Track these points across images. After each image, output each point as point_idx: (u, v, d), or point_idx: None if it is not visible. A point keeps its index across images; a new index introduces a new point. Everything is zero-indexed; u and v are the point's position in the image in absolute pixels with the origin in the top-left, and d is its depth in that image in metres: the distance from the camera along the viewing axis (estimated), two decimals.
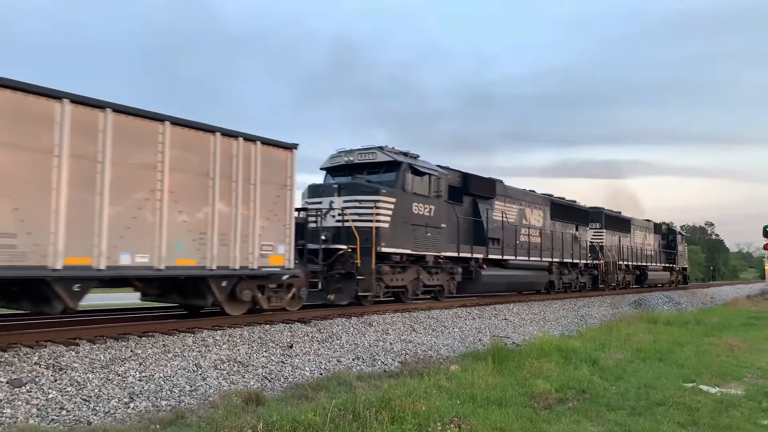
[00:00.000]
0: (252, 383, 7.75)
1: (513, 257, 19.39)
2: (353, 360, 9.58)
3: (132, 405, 6.44)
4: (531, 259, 20.61)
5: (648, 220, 36.49)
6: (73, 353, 7.50)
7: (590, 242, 26.38)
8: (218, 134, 9.77)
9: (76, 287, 7.97)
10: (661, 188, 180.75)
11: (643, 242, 33.26)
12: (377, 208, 13.69)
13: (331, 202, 13.78)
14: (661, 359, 9.76)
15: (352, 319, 12.43)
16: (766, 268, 45.16)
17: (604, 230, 27.92)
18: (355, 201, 13.78)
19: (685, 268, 41.84)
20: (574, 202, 26.36)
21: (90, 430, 5.55)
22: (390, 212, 14.05)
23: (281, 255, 10.94)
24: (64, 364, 7.10)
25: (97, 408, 6.22)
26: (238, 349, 8.96)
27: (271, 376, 8.17)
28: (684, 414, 6.26)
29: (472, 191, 18.02)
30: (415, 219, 14.86)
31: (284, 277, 11.33)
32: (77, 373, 6.91)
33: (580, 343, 10.76)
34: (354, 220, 13.42)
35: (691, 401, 6.68)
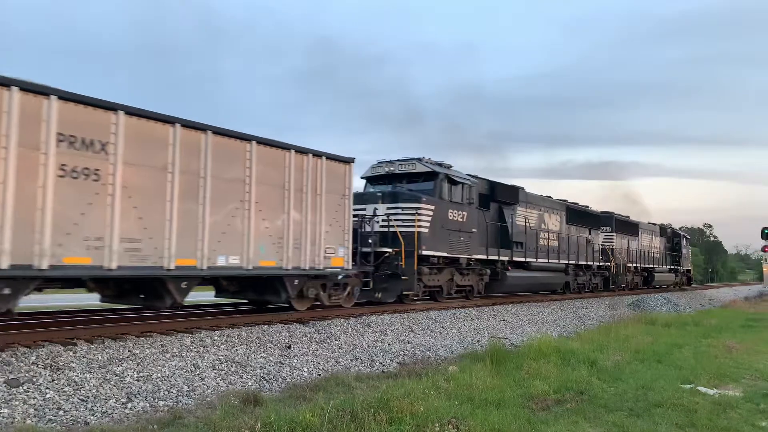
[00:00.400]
0: (250, 384, 7.74)
1: (534, 260, 20.77)
2: (351, 361, 9.57)
3: (130, 405, 6.42)
4: (550, 261, 21.97)
5: (654, 224, 37.53)
6: (71, 353, 7.48)
7: (602, 245, 27.77)
8: (292, 151, 11.37)
9: (183, 284, 9.54)
10: (660, 190, 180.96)
11: (650, 245, 34.48)
12: (419, 214, 15.12)
13: (375, 209, 14.91)
14: (660, 361, 9.75)
15: (351, 319, 12.43)
16: (764, 270, 45.20)
17: (615, 234, 29.18)
18: (398, 208, 15.15)
19: (689, 270, 43.15)
20: (587, 207, 27.51)
21: (87, 430, 5.53)
22: (429, 218, 15.47)
23: (341, 257, 12.53)
24: (61, 363, 7.08)
25: (95, 408, 6.20)
26: (236, 350, 8.95)
27: (269, 376, 8.16)
28: (682, 415, 6.25)
29: (498, 198, 19.48)
30: (450, 224, 16.34)
31: (339, 277, 12.84)
32: (75, 373, 6.90)
33: (579, 344, 10.75)
34: (398, 226, 14.78)
35: (689, 403, 6.68)
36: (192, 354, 8.37)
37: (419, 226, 15.03)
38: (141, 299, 9.94)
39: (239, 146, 10.32)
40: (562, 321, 17.59)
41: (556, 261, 22.58)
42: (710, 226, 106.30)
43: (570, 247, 23.90)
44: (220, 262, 9.90)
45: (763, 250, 42.22)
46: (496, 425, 5.58)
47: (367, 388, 7.22)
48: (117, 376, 7.11)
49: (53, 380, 6.64)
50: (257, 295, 11.89)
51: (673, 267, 38.52)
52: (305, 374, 8.51)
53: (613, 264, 28.29)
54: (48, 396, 6.26)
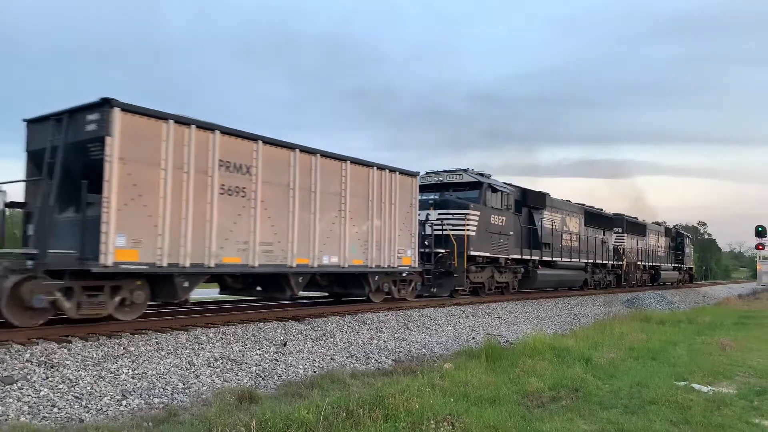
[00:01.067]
0: (245, 381, 7.74)
1: (559, 259, 23.04)
2: (347, 358, 9.57)
3: (124, 403, 6.41)
4: (572, 260, 24.33)
5: (659, 224, 39.69)
6: (65, 350, 7.46)
7: (614, 245, 29.82)
8: (375, 168, 13.63)
9: (300, 279, 11.79)
10: (654, 188, 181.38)
11: (656, 244, 36.65)
12: (467, 219, 17.30)
13: (428, 214, 16.66)
14: (654, 358, 9.78)
15: (346, 317, 12.43)
16: (757, 267, 45.43)
17: (625, 234, 31.24)
18: (449, 214, 17.33)
19: (691, 268, 45.57)
20: (602, 210, 29.73)
21: (82, 428, 5.51)
22: (476, 223, 17.69)
23: (409, 257, 14.92)
24: (56, 361, 7.06)
25: (89, 406, 6.18)
26: (232, 347, 8.94)
27: (264, 374, 8.15)
28: (676, 412, 6.27)
29: (528, 203, 21.59)
30: (492, 228, 18.62)
31: (404, 274, 15.09)
32: (69, 371, 6.88)
33: (574, 341, 10.78)
34: (449, 229, 16.90)
35: (683, 400, 6.70)
36: (187, 351, 8.35)
37: (468, 230, 17.21)
38: (258, 292, 12.23)
39: (337, 165, 12.63)
40: (557, 318, 17.64)
41: (577, 260, 24.89)
42: (704, 224, 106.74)
43: (588, 247, 26.12)
44: (325, 261, 12.24)
45: (757, 247, 42.59)
46: (492, 422, 5.59)
47: (363, 386, 7.22)
48: (112, 373, 7.09)
49: (47, 378, 6.62)
50: (343, 289, 14.10)
51: (677, 265, 40.71)
52: (301, 371, 8.51)
53: (625, 263, 30.42)
54: (42, 393, 6.24)
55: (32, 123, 10.28)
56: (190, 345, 8.63)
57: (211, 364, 8.09)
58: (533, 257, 20.89)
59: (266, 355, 8.92)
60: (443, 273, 16.54)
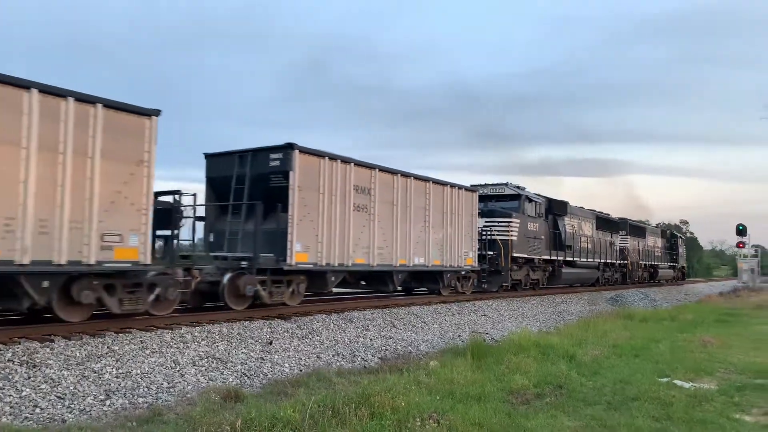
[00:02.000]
0: (231, 380, 7.70)
1: (578, 259, 26.73)
2: (333, 356, 9.57)
3: (108, 402, 6.36)
4: (588, 260, 27.99)
5: (656, 227, 44.66)
6: (48, 350, 7.38)
7: (620, 246, 33.33)
8: (447, 186, 17.44)
9: (400, 276, 15.56)
10: (640, 186, 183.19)
11: (654, 245, 40.33)
12: (510, 226, 20.85)
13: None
14: (637, 355, 9.89)
15: (333, 315, 12.43)
16: (738, 266, 46.09)
17: (628, 236, 34.84)
18: (495, 222, 20.80)
19: (683, 267, 49.48)
20: (609, 215, 33.31)
21: (65, 428, 5.46)
22: (517, 229, 21.19)
23: (471, 258, 18.64)
24: (38, 360, 6.98)
25: (72, 406, 6.12)
26: (217, 346, 8.90)
27: (250, 372, 8.13)
28: (659, 408, 6.35)
29: (553, 211, 24.82)
30: (528, 233, 22.13)
31: (462, 272, 18.50)
32: (52, 370, 6.81)
33: (558, 338, 10.86)
34: (496, 234, 20.50)
35: (665, 396, 6.79)
36: (172, 350, 8.30)
37: (511, 235, 20.77)
38: (363, 286, 16.21)
39: (422, 185, 16.29)
40: (541, 316, 17.76)
41: (592, 260, 28.55)
42: (686, 223, 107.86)
43: (599, 249, 29.73)
44: (416, 261, 15.75)
45: (738, 246, 43.38)
46: (477, 419, 5.62)
47: (349, 384, 7.22)
48: (95, 373, 7.03)
49: (29, 377, 6.54)
50: (419, 284, 17.93)
51: (671, 264, 44.32)
52: (286, 370, 8.49)
53: (629, 262, 34.09)
54: (24, 393, 6.17)
55: (211, 156, 13.70)
56: (175, 344, 8.58)
57: (197, 363, 8.05)
58: (558, 257, 24.49)
59: (252, 354, 8.89)
60: (492, 271, 20.24)
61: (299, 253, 12.15)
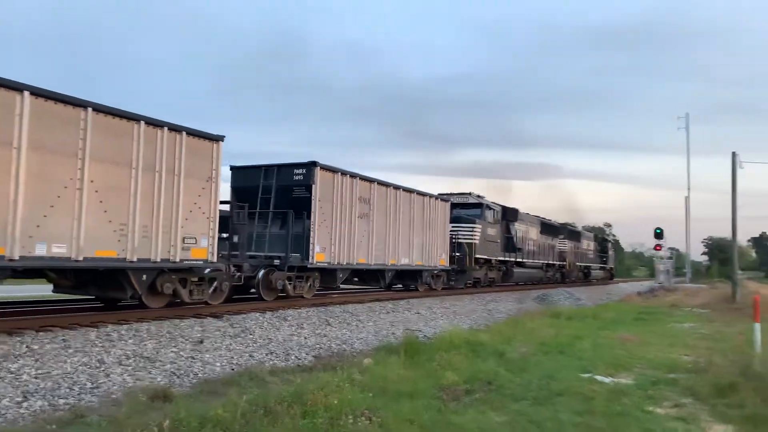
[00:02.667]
0: (159, 379, 7.49)
1: (527, 260, 30.39)
2: (266, 355, 9.46)
3: (26, 404, 6.04)
4: (535, 261, 31.81)
5: (590, 231, 50.09)
6: None
7: (559, 249, 37.10)
8: (427, 197, 20.55)
9: (390, 274, 18.44)
10: (569, 190, 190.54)
11: (588, 248, 44.88)
12: (473, 231, 24.06)
13: None
14: (562, 352, 10.28)
15: (267, 313, 12.30)
16: (655, 267, 48.81)
17: (567, 240, 38.82)
18: (461, 227, 23.75)
19: (612, 268, 54.84)
20: (551, 220, 37.46)
21: None
22: (479, 233, 24.50)
23: (443, 259, 21.81)
24: None
25: None
26: (145, 344, 8.63)
27: (179, 372, 7.92)
28: (581, 403, 6.63)
29: (507, 217, 28.12)
30: (488, 237, 25.47)
31: (435, 271, 21.54)
32: None
33: (488, 336, 11.15)
34: (462, 238, 23.53)
35: (587, 391, 7.10)
36: (97, 349, 7.99)
37: (474, 239, 23.97)
38: (357, 282, 18.73)
39: (409, 196, 19.31)
40: (473, 314, 18.18)
41: (538, 261, 32.48)
42: (610, 225, 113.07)
43: (544, 252, 33.69)
44: (402, 261, 18.78)
45: (655, 248, 46.35)
46: (409, 416, 5.71)
47: (282, 382, 7.17)
48: (12, 373, 6.68)
49: None
50: (401, 281, 20.68)
51: (602, 265, 49.55)
52: (218, 369, 8.33)
53: (567, 263, 38.16)
54: None
55: (237, 169, 16.05)
56: (100, 342, 8.26)
57: (123, 363, 7.78)
58: (511, 258, 28.22)
59: (182, 353, 8.67)
60: (458, 271, 23.18)
61: (318, 254, 14.72)
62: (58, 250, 8.89)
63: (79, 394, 6.54)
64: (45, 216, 8.71)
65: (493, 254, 26.24)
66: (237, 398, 5.66)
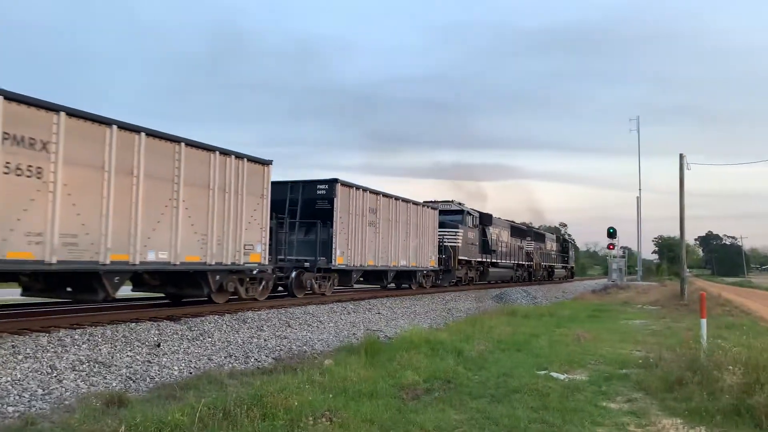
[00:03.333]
0: (114, 384, 7.32)
1: (500, 260, 33.93)
2: (225, 358, 9.36)
3: None
4: (507, 261, 35.47)
5: (552, 233, 54.05)
6: None
7: (526, 250, 40.43)
8: (420, 205, 23.17)
9: (391, 274, 21.27)
10: (521, 191, 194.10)
11: (551, 249, 48.74)
12: (456, 235, 27.33)
13: None
14: (519, 349, 10.48)
15: (225, 316, 12.15)
16: (609, 266, 50.21)
17: (533, 242, 42.36)
18: (446, 231, 26.70)
19: (572, 267, 59.27)
20: (520, 224, 42.15)
21: None
22: (461, 237, 27.76)
23: (433, 260, 24.21)
24: None
25: None
26: (100, 349, 8.43)
27: (135, 376, 7.76)
28: (537, 399, 6.80)
29: (483, 222, 31.38)
30: (468, 240, 28.77)
31: (425, 271, 23.80)
32: None
33: (447, 335, 11.28)
34: (447, 242, 26.49)
35: (543, 387, 7.26)
36: (49, 354, 7.76)
37: (457, 242, 27.13)
38: (362, 281, 20.81)
39: (406, 205, 21.91)
40: (432, 313, 18.35)
41: (509, 261, 36.04)
42: (565, 225, 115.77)
43: (513, 253, 37.09)
44: (402, 263, 21.29)
45: (608, 247, 48.03)
46: (369, 416, 5.75)
47: (241, 385, 7.12)
48: None
49: None
50: (397, 281, 22.82)
51: (564, 265, 53.60)
52: (176, 373, 8.20)
53: (534, 263, 41.71)
54: None
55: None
56: (52, 348, 8.03)
57: (76, 368, 7.57)
58: (487, 259, 31.59)
59: (138, 357, 8.50)
60: (444, 271, 26.22)
61: (338, 257, 17.07)
62: (162, 256, 11.25)
63: (29, 401, 6.34)
64: (153, 230, 10.99)
65: (473, 256, 29.64)
66: (195, 402, 5.60)
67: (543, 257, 45.10)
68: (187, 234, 11.69)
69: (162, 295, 13.92)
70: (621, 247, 52.65)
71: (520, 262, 38.86)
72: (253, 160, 13.71)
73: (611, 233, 48.40)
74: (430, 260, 23.92)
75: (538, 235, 45.58)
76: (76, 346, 8.32)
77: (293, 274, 15.89)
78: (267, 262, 14.13)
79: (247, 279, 13.94)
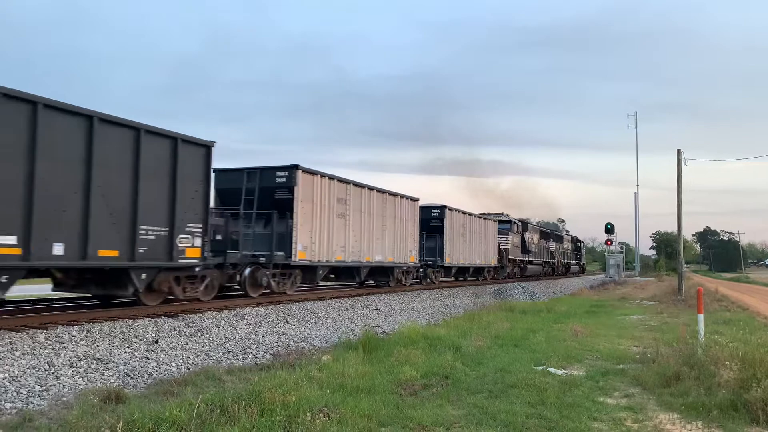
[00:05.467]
0: (112, 381, 7.32)
1: (534, 259, 42.07)
2: (223, 354, 9.36)
3: None
4: (538, 260, 43.65)
5: (569, 233, 61.34)
6: None
7: (551, 250, 48.17)
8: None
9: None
10: (524, 187, 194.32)
11: (567, 248, 56.67)
12: (507, 240, 35.24)
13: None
14: (517, 345, 10.52)
15: (223, 312, 12.15)
16: (607, 261, 50.34)
17: (554, 242, 49.95)
18: (502, 237, 34.14)
19: (584, 264, 68.31)
20: (545, 227, 52.60)
21: None
22: (510, 242, 35.71)
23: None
24: None
25: None
26: (98, 345, 8.42)
27: (133, 372, 7.76)
28: (534, 395, 6.82)
29: (522, 229, 39.49)
30: (514, 243, 36.92)
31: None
32: None
33: (445, 331, 11.31)
34: (501, 245, 33.84)
35: (540, 383, 7.29)
36: (46, 351, 7.75)
37: (509, 245, 35.38)
38: (373, 278, 21.34)
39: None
40: (430, 309, 18.37)
41: (540, 260, 43.97)
42: (563, 221, 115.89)
43: (542, 252, 44.86)
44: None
45: (606, 243, 49.10)
46: (366, 411, 5.77)
47: (239, 381, 7.13)
48: None
49: None
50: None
51: (577, 262, 61.68)
52: (173, 369, 8.20)
53: (556, 260, 49.71)
54: None
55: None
56: (49, 344, 8.02)
57: (74, 364, 7.57)
58: (525, 258, 39.61)
59: (136, 353, 8.50)
60: (500, 267, 33.89)
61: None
62: (341, 257, 16.51)
63: (27, 398, 6.34)
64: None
65: (517, 256, 37.66)
66: (193, 398, 5.61)
67: (562, 255, 53.07)
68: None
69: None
70: (619, 243, 54.41)
71: (547, 260, 46.77)
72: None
73: (609, 229, 49.02)
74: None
75: (558, 237, 53.27)
76: (73, 343, 8.31)
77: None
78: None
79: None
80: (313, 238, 16.02)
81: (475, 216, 29.00)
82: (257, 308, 13.20)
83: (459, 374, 7.87)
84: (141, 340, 9.15)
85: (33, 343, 7.92)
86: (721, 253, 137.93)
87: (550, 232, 50.45)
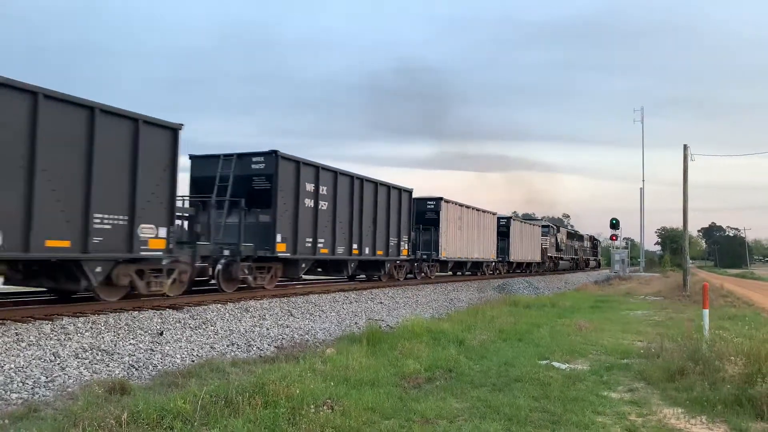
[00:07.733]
0: (117, 372, 7.36)
1: (563, 256, 50.10)
2: (228, 346, 9.39)
3: None
4: (566, 256, 51.47)
5: (588, 233, 68.80)
6: None
7: (575, 247, 56.52)
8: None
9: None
10: (528, 183, 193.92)
11: (586, 246, 64.50)
12: (546, 241, 44.38)
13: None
14: (521, 339, 10.51)
15: (228, 305, 12.18)
16: (612, 257, 50.24)
17: (577, 241, 58.02)
18: (543, 239, 43.62)
19: (600, 259, 75.92)
20: (570, 228, 64.09)
21: None
22: (548, 242, 45.07)
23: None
24: None
25: None
26: (103, 337, 8.46)
27: (138, 364, 7.80)
28: (538, 389, 6.81)
29: (555, 230, 47.72)
30: (551, 243, 45.84)
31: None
32: None
33: (449, 324, 11.30)
34: (543, 245, 43.78)
35: (544, 377, 7.29)
36: (52, 342, 7.79)
37: (548, 245, 44.08)
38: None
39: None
40: (434, 303, 18.38)
41: (568, 256, 52.00)
42: (568, 216, 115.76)
43: (569, 250, 53.01)
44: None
45: (611, 238, 50.01)
46: (370, 404, 5.77)
47: (243, 373, 7.14)
48: None
49: None
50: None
51: (594, 258, 69.64)
52: (178, 361, 8.24)
53: (579, 257, 57.85)
54: None
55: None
56: (55, 335, 8.06)
57: (79, 356, 7.61)
58: (557, 255, 47.38)
59: (141, 345, 8.54)
60: (541, 263, 42.15)
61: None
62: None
63: (32, 388, 6.38)
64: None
65: (552, 253, 45.50)
66: (197, 389, 5.62)
67: (583, 252, 61.52)
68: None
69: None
70: (624, 239, 56.13)
71: (573, 257, 54.85)
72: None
73: (614, 224, 49.14)
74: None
75: (579, 236, 61.68)
76: (79, 334, 8.35)
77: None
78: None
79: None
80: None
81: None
82: (261, 301, 13.23)
83: (463, 368, 7.87)
84: (146, 331, 9.19)
85: (39, 334, 7.96)
86: (727, 249, 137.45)
87: (575, 233, 60.01)
